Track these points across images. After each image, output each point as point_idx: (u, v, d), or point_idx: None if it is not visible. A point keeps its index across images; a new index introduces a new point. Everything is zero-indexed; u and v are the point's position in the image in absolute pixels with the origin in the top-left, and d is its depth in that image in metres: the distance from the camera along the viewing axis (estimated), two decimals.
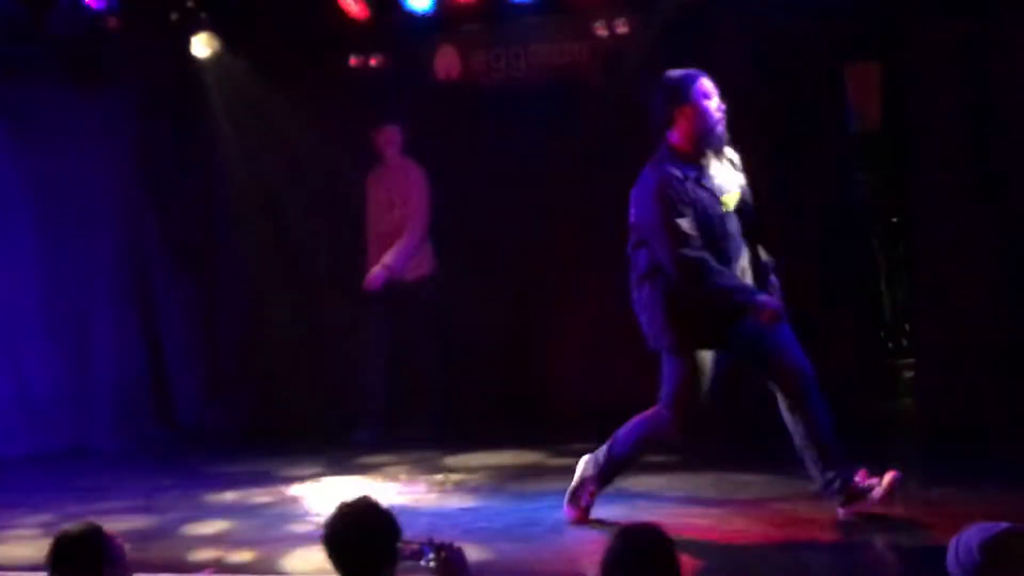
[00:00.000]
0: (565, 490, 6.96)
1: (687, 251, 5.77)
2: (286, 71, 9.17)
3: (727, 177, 6.00)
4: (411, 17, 8.82)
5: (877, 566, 5.53)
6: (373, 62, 9.34)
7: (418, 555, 3.74)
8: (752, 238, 6.03)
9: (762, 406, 8.52)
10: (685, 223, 5.78)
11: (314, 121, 9.16)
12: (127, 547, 3.84)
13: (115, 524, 5.29)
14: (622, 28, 8.73)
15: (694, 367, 5.98)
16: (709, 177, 5.94)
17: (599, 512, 6.37)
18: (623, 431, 6.23)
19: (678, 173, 5.86)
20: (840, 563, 5.57)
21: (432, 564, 3.70)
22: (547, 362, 9.21)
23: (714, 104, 5.94)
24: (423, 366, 8.80)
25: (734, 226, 5.95)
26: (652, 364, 8.84)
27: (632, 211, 6.01)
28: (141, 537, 6.33)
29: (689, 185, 5.85)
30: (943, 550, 3.33)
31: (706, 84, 5.97)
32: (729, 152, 6.07)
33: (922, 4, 8.02)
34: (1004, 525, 3.24)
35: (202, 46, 9.03)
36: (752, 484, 6.85)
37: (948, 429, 7.75)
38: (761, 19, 8.39)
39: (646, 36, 8.67)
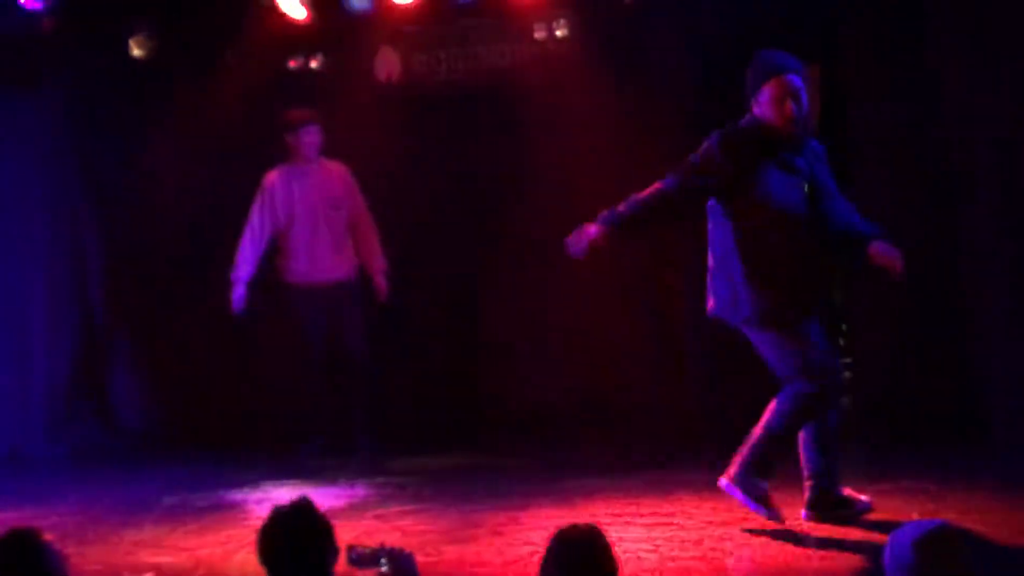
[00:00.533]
0: (505, 492, 7.00)
1: None
2: (225, 73, 9.13)
3: (807, 167, 5.94)
4: (351, 18, 8.79)
5: (813, 560, 5.57)
6: (313, 63, 9.31)
7: (371, 561, 3.77)
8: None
9: (696, 404, 8.66)
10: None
11: (254, 123, 9.11)
12: (64, 551, 3.81)
13: (53, 528, 5.25)
14: (561, 31, 8.76)
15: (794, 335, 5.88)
16: (792, 159, 5.89)
17: (541, 513, 6.41)
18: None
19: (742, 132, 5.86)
20: (779, 559, 5.61)
21: (385, 570, 3.72)
22: (489, 364, 9.20)
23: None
24: (359, 367, 8.66)
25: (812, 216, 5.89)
26: (595, 366, 8.94)
27: None
28: (79, 541, 6.29)
29: (755, 151, 5.83)
30: (879, 547, 3.36)
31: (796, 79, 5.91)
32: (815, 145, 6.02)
33: (858, 7, 8.10)
34: (938, 522, 3.27)
35: (137, 48, 8.96)
36: (692, 483, 6.89)
37: (885, 429, 7.85)
38: (698, 22, 8.45)
39: (585, 40, 8.71)
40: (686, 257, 8.63)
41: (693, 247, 8.57)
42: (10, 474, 8.45)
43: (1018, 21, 7.40)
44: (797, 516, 6.01)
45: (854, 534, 5.80)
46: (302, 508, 3.67)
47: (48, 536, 3.75)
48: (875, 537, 5.58)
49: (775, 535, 5.86)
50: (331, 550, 3.63)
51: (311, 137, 8.48)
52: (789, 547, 5.71)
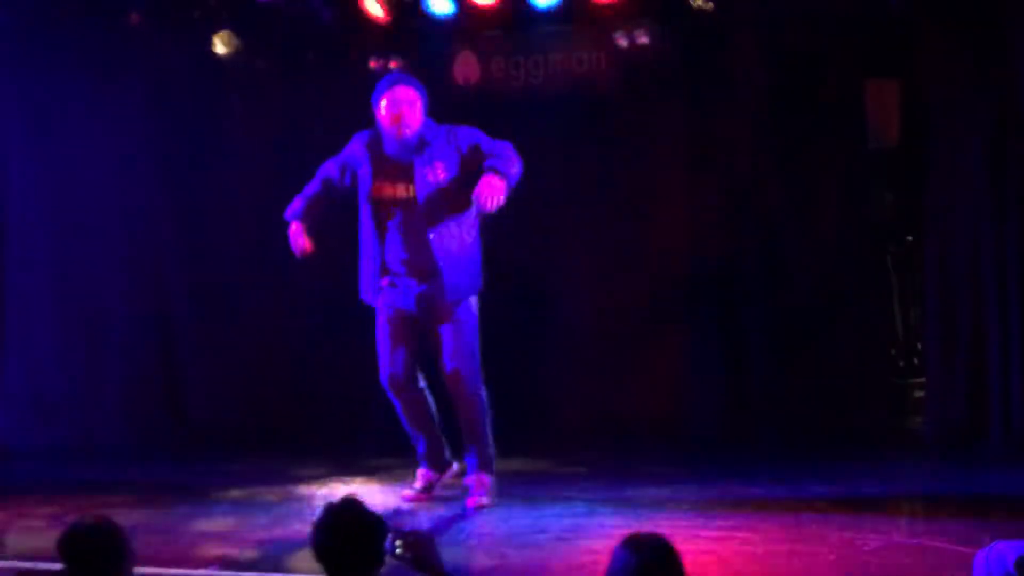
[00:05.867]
0: (572, 497, 6.98)
1: None
2: (306, 72, 9.18)
3: None
4: (431, 21, 8.82)
5: None
6: (392, 65, 9.33)
7: (388, 546, 3.77)
8: None
9: (764, 419, 8.58)
10: None
11: (333, 123, 9.14)
12: (133, 540, 3.85)
13: (122, 518, 5.30)
14: (642, 39, 8.70)
15: None
16: None
17: (606, 521, 6.39)
18: None
19: None
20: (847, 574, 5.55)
21: (400, 552, 3.71)
22: (555, 370, 9.16)
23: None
24: None
25: None
26: (654, 372, 8.88)
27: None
28: (147, 531, 6.33)
29: None
30: (951, 565, 3.32)
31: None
32: None
33: (939, 20, 8.02)
34: None
35: (221, 45, 9.03)
36: (757, 497, 6.85)
37: (956, 449, 7.78)
38: (779, 33, 8.40)
39: (665, 48, 8.67)
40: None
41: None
42: (83, 463, 8.54)
43: None
44: None
45: (925, 548, 5.71)
46: (354, 505, 3.75)
47: (118, 523, 3.80)
48: (942, 556, 5.51)
49: (850, 548, 5.79)
50: (382, 543, 3.68)
51: None
52: (865, 560, 5.62)
